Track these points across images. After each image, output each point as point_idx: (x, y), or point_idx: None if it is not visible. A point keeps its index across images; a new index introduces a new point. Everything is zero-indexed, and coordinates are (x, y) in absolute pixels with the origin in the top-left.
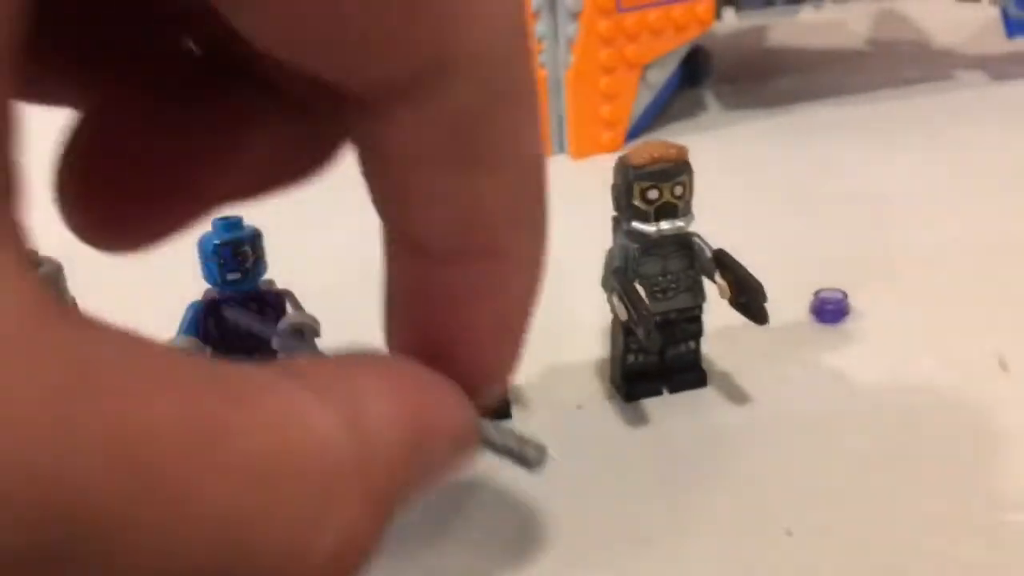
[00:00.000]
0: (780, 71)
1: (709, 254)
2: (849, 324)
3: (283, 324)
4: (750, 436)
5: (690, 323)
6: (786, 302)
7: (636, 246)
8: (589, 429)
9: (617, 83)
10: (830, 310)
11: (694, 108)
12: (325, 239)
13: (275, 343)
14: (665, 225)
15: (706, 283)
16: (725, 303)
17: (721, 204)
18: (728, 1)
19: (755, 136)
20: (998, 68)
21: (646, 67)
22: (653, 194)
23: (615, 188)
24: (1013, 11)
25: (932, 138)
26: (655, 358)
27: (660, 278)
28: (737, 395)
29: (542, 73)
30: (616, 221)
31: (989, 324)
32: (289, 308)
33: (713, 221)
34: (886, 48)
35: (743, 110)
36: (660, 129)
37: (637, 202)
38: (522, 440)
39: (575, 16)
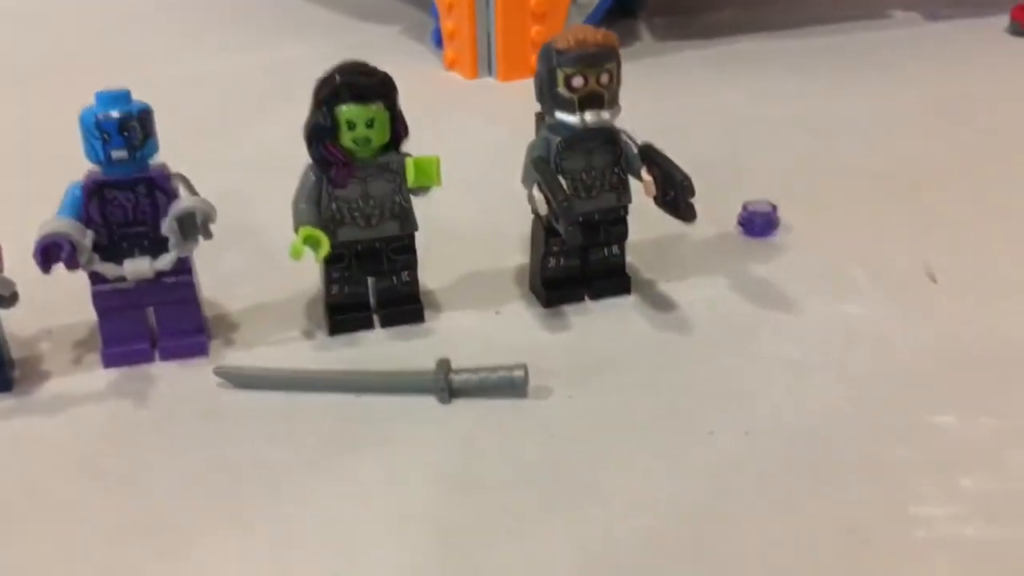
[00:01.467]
0: (715, 5)
1: (636, 148)
2: (778, 237)
3: (173, 209)
4: (675, 343)
5: (614, 225)
6: (715, 215)
7: (559, 139)
8: (506, 335)
9: (547, 2)
10: (759, 223)
11: (627, 38)
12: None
13: (164, 228)
14: (590, 116)
15: (633, 185)
16: (652, 210)
17: (651, 127)
18: None
19: (688, 65)
20: (932, 9)
21: None
22: (578, 81)
23: (538, 76)
24: None
25: (866, 71)
26: (576, 263)
27: (584, 174)
28: (662, 303)
29: None
30: (539, 117)
31: (915, 238)
32: (182, 192)
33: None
34: None
35: (677, 41)
36: None
37: (561, 90)
38: (504, 370)
39: None
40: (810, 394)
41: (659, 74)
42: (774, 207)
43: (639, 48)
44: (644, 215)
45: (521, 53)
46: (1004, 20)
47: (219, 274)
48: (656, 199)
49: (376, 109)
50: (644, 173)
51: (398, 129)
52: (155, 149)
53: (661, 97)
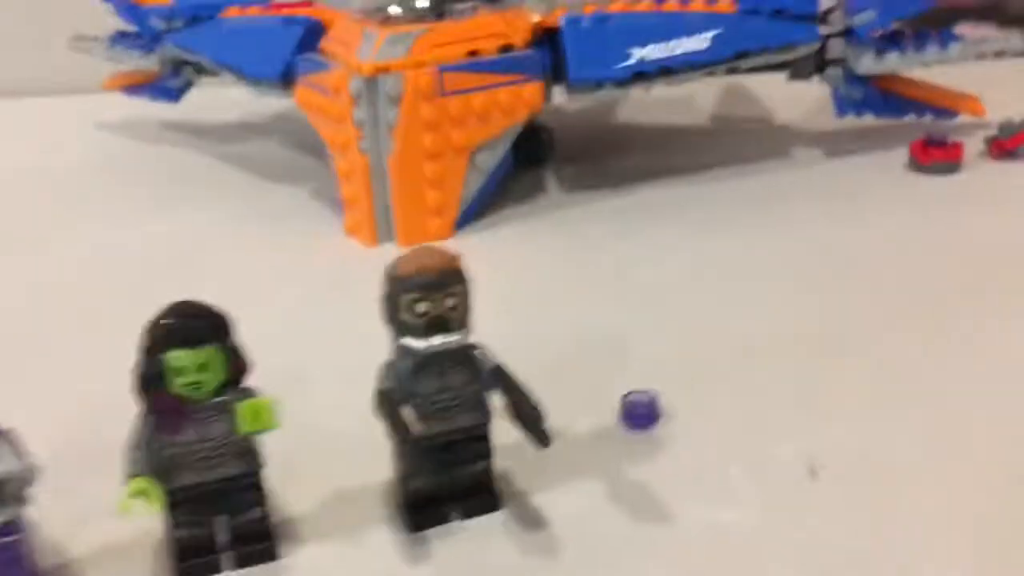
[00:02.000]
0: (624, 149)
1: (489, 368)
2: (660, 429)
3: None
4: (546, 570)
5: (477, 442)
6: (595, 405)
7: (408, 363)
8: (367, 570)
9: (444, 169)
10: (640, 414)
11: (532, 190)
12: None
13: None
14: (437, 341)
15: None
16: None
17: (540, 295)
18: (558, 82)
19: (589, 219)
20: (832, 144)
21: (474, 151)
22: (422, 307)
23: (382, 300)
24: (844, 90)
25: (765, 218)
26: (444, 479)
27: (439, 396)
28: (533, 522)
29: (364, 160)
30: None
31: (799, 425)
32: (4, 452)
33: (527, 315)
34: (729, 125)
35: (582, 191)
36: (494, 214)
37: (405, 316)
38: None
39: (395, 101)
40: None
41: (560, 231)
42: (654, 397)
43: (543, 202)
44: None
45: (419, 219)
46: (904, 154)
47: (74, 505)
48: (512, 421)
49: (208, 352)
50: (497, 397)
51: (237, 367)
52: None
53: (560, 256)
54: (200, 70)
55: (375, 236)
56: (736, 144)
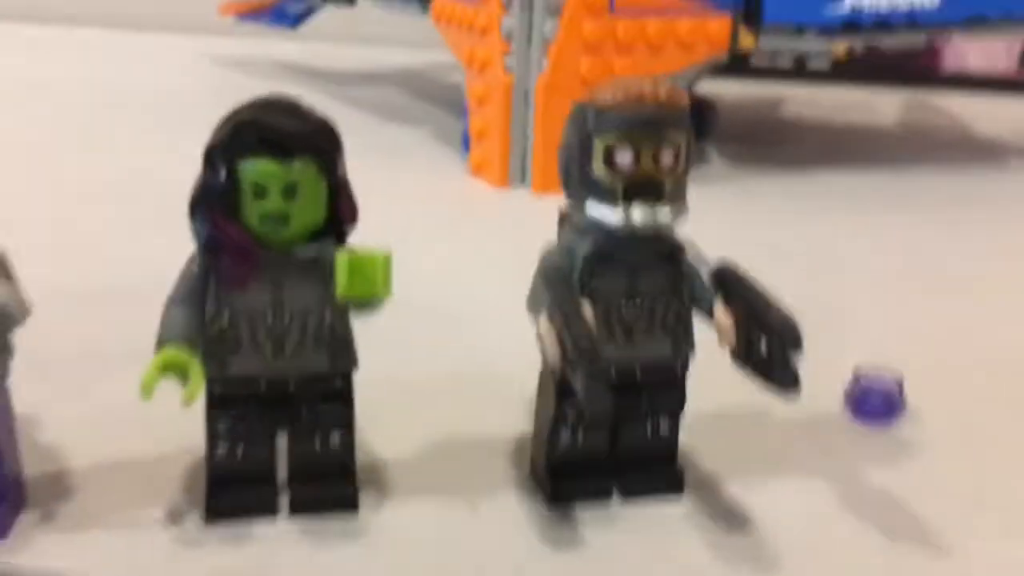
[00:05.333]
0: (792, 139)
1: (707, 271)
2: (902, 427)
3: None
4: None
5: (665, 389)
6: (812, 386)
7: (589, 244)
8: (481, 549)
9: None
10: (875, 403)
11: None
12: None
13: None
14: (640, 214)
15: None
16: (725, 368)
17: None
18: (749, 23)
19: (767, 194)
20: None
21: None
22: (624, 157)
23: (565, 148)
24: None
25: (984, 221)
26: (603, 441)
27: (624, 301)
28: (729, 517)
29: (507, 80)
30: (563, 219)
31: None
32: None
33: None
34: (916, 131)
35: (752, 167)
36: None
37: (598, 169)
38: None
39: (555, 11)
40: None
41: (734, 201)
42: (898, 381)
43: (709, 171)
44: (711, 373)
45: None
46: None
47: (86, 408)
48: (736, 353)
49: (302, 170)
50: (719, 311)
51: (340, 207)
52: None
53: (735, 226)
54: None
55: (505, 176)
56: (932, 148)
